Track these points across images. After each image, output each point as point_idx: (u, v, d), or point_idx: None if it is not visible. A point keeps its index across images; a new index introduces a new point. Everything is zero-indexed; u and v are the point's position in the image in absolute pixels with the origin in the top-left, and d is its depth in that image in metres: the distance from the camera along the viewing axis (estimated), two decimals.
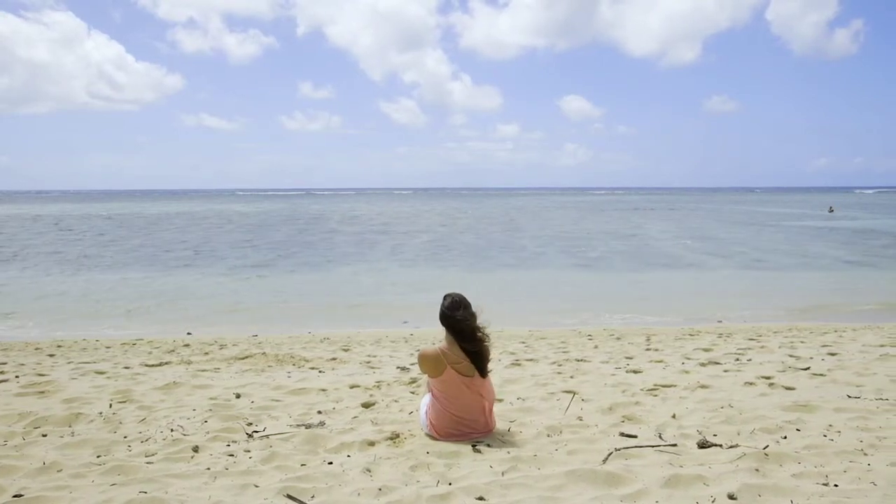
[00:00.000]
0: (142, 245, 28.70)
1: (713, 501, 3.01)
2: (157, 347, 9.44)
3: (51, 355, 8.54)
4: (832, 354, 7.51)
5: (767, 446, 3.73)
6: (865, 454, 3.60)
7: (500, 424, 4.49)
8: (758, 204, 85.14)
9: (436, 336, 9.94)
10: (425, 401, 4.36)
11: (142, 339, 10.35)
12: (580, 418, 4.61)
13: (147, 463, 3.67)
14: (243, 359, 8.07)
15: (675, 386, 5.76)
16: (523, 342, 9.70)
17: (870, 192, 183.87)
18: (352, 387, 5.93)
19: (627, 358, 7.75)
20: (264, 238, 32.66)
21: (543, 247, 28.18)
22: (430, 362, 4.14)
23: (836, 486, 3.13)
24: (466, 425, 4.13)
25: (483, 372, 4.15)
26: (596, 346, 9.04)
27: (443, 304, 4.22)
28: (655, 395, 5.39)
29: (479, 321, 4.19)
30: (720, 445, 3.84)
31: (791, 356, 7.47)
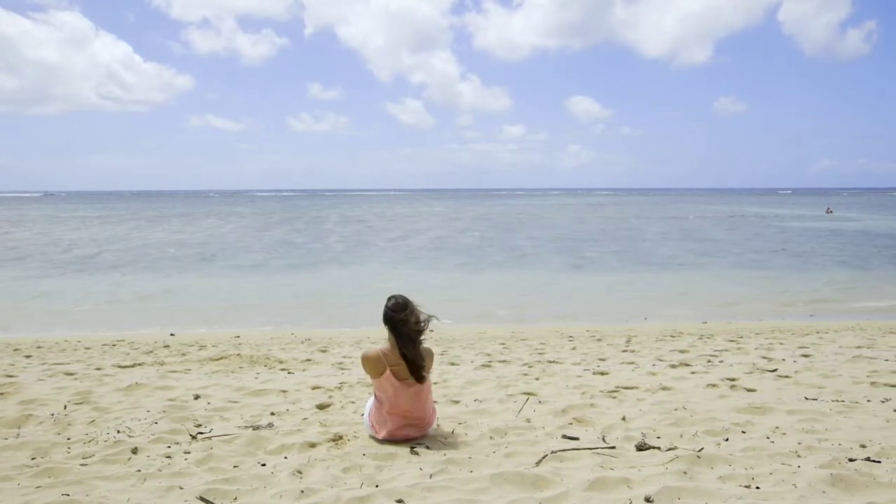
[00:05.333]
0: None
1: None
2: (137, 348, 9.44)
3: (27, 356, 8.57)
4: (805, 356, 7.45)
5: (702, 448, 3.69)
6: (799, 456, 3.56)
7: (448, 426, 4.47)
8: (760, 205, 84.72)
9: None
10: (369, 403, 4.34)
11: (123, 340, 10.37)
12: (528, 420, 4.58)
13: (81, 465, 3.66)
14: (218, 360, 8.07)
15: (636, 388, 5.72)
16: (502, 343, 9.66)
17: None
18: (314, 388, 5.91)
19: (600, 359, 7.70)
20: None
21: (539, 247, 28.13)
22: (370, 363, 4.12)
23: (757, 488, 3.10)
24: (405, 427, 4.10)
25: (419, 377, 4.11)
26: (574, 348, 8.99)
27: (386, 305, 4.20)
28: (614, 398, 5.36)
29: (424, 325, 4.17)
30: (658, 448, 3.81)
31: (764, 358, 7.42)
